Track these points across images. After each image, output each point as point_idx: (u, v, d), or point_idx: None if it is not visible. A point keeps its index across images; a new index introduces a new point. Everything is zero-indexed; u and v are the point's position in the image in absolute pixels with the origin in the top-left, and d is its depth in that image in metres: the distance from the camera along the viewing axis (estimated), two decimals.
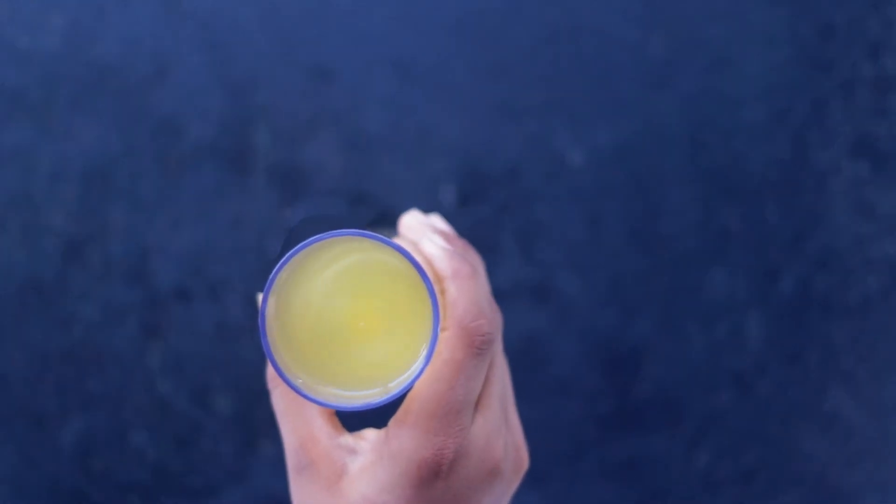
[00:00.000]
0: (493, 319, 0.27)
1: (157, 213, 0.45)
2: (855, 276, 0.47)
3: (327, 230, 0.25)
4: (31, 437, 0.46)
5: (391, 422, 0.27)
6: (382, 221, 0.45)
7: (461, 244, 0.31)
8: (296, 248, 0.24)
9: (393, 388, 0.25)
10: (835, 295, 0.47)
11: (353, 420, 0.45)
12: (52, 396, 0.46)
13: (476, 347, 0.26)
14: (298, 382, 0.25)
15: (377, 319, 0.26)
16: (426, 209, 0.46)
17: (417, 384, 0.26)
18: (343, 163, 0.46)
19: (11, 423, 0.46)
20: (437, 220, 0.33)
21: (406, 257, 0.24)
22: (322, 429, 0.27)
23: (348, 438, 0.28)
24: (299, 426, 0.28)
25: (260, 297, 0.30)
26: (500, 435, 0.27)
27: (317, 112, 0.45)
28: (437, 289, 0.26)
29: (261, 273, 0.46)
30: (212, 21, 0.45)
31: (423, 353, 0.25)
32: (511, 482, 0.28)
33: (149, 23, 0.45)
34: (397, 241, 0.30)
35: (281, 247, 0.47)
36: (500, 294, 0.46)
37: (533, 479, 0.47)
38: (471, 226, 0.46)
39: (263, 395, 0.46)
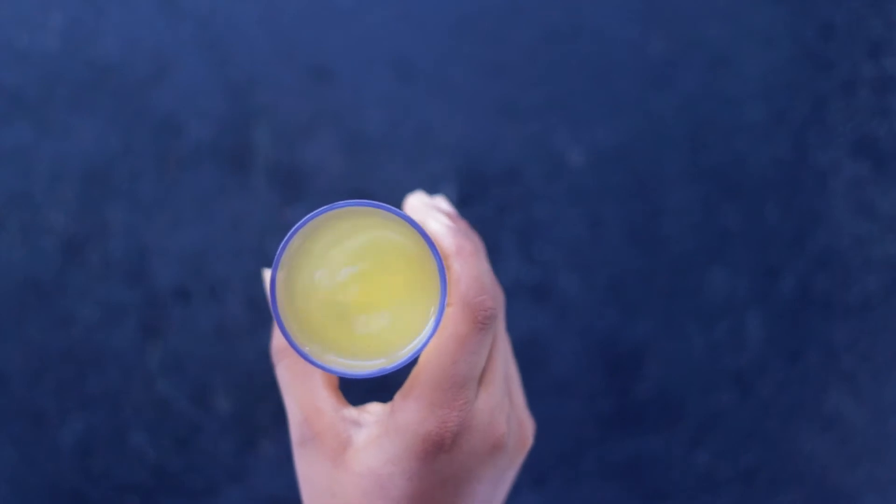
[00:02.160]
0: (495, 296, 0.27)
1: (156, 213, 0.45)
2: (855, 276, 0.47)
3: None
4: (30, 437, 0.46)
5: (396, 395, 0.27)
6: None
7: (464, 224, 0.31)
8: (306, 217, 0.24)
9: (399, 357, 0.26)
10: (835, 295, 0.47)
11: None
12: (51, 396, 0.45)
13: (479, 322, 0.26)
14: (306, 350, 0.25)
15: (384, 292, 0.26)
16: None
17: (422, 358, 0.26)
18: (343, 163, 0.46)
19: (11, 423, 0.46)
20: (440, 202, 0.33)
21: (415, 228, 0.25)
22: (327, 401, 0.28)
23: (352, 411, 0.28)
24: (304, 398, 0.28)
25: (266, 272, 0.31)
26: (504, 410, 0.28)
27: (317, 112, 0.45)
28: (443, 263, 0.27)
29: (261, 273, 0.46)
30: (211, 21, 0.45)
31: (429, 324, 0.26)
32: (514, 458, 0.29)
33: (149, 22, 0.45)
34: None
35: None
36: None
37: (533, 479, 0.47)
38: (471, 226, 0.46)
39: (263, 396, 0.46)
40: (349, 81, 0.45)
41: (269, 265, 0.45)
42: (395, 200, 0.46)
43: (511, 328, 0.46)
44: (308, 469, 0.28)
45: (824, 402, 0.48)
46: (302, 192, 0.45)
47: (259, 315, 0.46)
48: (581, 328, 0.47)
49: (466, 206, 0.46)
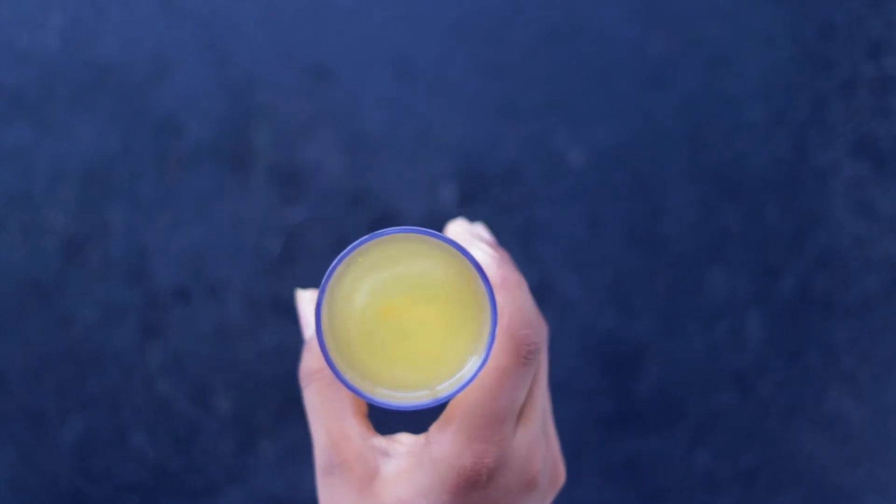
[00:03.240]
0: (539, 330, 0.26)
1: (156, 213, 0.45)
2: (855, 276, 0.47)
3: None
4: (30, 437, 0.46)
5: (433, 427, 0.26)
6: (384, 223, 0.45)
7: (505, 254, 0.31)
8: (355, 243, 0.24)
9: (443, 390, 0.25)
10: (835, 295, 0.47)
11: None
12: (51, 396, 0.45)
13: (523, 357, 0.25)
14: (346, 377, 0.25)
15: (427, 322, 0.25)
16: (426, 209, 0.46)
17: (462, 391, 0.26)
18: (343, 163, 0.46)
19: (11, 423, 0.46)
20: (480, 230, 0.33)
21: (466, 256, 0.24)
22: (355, 428, 0.27)
23: (382, 441, 0.27)
24: (332, 424, 0.27)
25: (300, 292, 0.30)
26: (540, 448, 0.27)
27: (317, 112, 0.45)
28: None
29: (261, 273, 0.46)
30: (211, 21, 0.45)
31: (473, 357, 0.25)
32: (546, 496, 0.28)
33: (149, 22, 0.45)
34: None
35: (281, 249, 0.47)
36: None
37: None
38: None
39: (263, 396, 0.46)
40: (349, 81, 0.45)
41: (268, 267, 0.45)
42: (395, 200, 0.46)
43: None
44: (332, 497, 0.27)
45: (824, 402, 0.48)
46: (302, 192, 0.45)
47: (259, 315, 0.46)
48: (581, 328, 0.47)
49: (466, 206, 0.46)
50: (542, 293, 0.46)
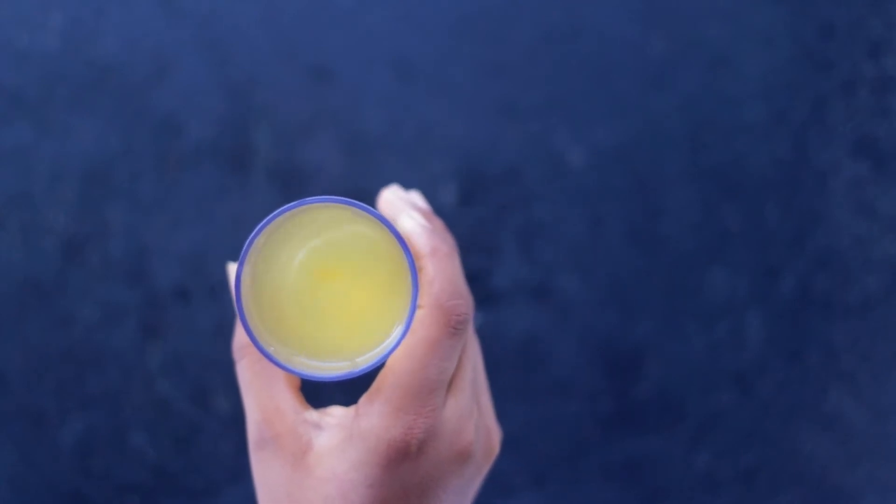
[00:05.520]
0: (468, 300, 0.26)
1: (156, 213, 0.45)
2: (855, 276, 0.47)
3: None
4: (30, 437, 0.46)
5: (362, 398, 0.26)
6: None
7: (439, 223, 0.30)
8: (273, 213, 0.23)
9: (367, 360, 0.25)
10: (835, 295, 0.47)
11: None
12: (51, 396, 0.45)
13: (452, 327, 0.25)
14: (270, 350, 0.24)
15: (353, 291, 0.25)
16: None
17: (390, 361, 0.25)
18: (343, 163, 0.46)
19: (11, 423, 0.46)
20: (416, 198, 0.33)
21: (386, 226, 0.24)
22: (288, 402, 0.27)
23: (314, 414, 0.27)
24: (264, 399, 0.27)
25: (231, 266, 0.30)
26: (472, 418, 0.27)
27: (317, 112, 0.45)
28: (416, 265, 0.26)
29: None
30: (211, 21, 0.45)
31: (398, 326, 0.25)
32: (481, 466, 0.28)
33: (149, 22, 0.45)
34: None
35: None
36: (500, 294, 0.46)
37: (533, 480, 0.47)
38: (471, 226, 0.46)
39: None
40: (349, 81, 0.45)
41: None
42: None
43: (511, 328, 0.46)
44: (265, 472, 0.27)
45: (824, 402, 0.48)
46: (302, 193, 0.45)
47: None
48: (581, 328, 0.47)
49: (466, 206, 0.46)
50: (542, 293, 0.46)
